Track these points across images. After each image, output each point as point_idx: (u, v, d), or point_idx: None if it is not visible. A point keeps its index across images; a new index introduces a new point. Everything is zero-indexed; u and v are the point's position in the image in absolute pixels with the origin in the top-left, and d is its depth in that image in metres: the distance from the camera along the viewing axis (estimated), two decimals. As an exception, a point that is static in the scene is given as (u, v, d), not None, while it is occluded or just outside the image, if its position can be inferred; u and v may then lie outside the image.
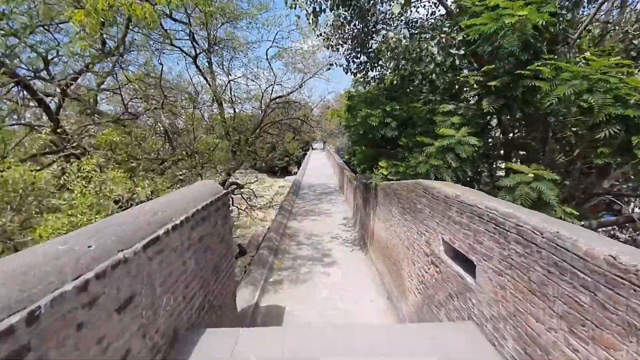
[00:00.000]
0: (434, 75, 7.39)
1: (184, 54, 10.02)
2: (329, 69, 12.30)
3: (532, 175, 5.43)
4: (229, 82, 11.81)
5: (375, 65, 9.39)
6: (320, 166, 35.37)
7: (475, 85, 6.54)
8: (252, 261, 8.47)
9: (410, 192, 4.94)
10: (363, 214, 10.32)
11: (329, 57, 13.72)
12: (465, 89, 7.86)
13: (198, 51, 9.97)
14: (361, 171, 16.38)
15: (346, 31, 9.83)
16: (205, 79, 10.36)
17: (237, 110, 14.99)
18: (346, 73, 9.91)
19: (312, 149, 62.11)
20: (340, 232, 11.56)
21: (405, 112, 7.82)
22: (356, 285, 7.44)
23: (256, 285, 6.98)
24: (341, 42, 10.31)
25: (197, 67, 9.96)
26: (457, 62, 6.45)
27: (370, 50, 8.89)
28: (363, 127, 7.78)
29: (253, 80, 14.05)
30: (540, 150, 6.91)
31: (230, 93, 13.41)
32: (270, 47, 16.64)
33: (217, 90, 11.22)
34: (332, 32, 11.20)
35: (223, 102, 13.86)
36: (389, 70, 9.78)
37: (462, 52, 6.40)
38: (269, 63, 12.44)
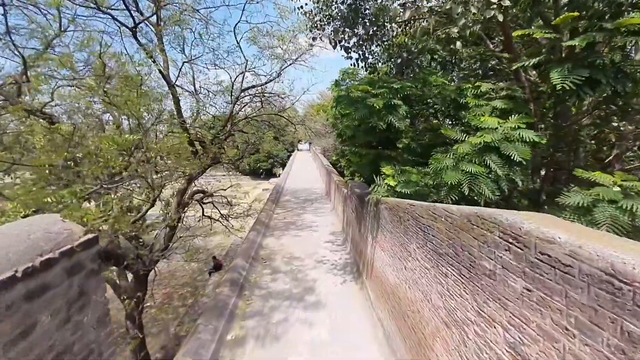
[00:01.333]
0: (458, 45, 5.20)
1: (119, 24, 7.56)
2: (312, 45, 10.07)
3: (619, 187, 3.39)
4: (183, 63, 9.36)
5: (376, 39, 7.15)
6: (305, 168, 33.06)
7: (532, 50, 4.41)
8: (205, 309, 6.09)
9: (461, 229, 2.74)
10: (356, 234, 8.08)
11: (312, 38, 11.39)
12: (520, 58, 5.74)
13: (137, 20, 7.54)
14: (350, 174, 14.11)
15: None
16: (150, 57, 7.91)
17: (203, 105, 12.55)
18: (334, 47, 7.65)
19: (298, 150, 59.83)
20: (328, 254, 9.28)
21: (420, 91, 5.62)
22: (350, 344, 5.19)
23: (202, 356, 4.62)
24: (328, 18, 8.09)
25: (138, 40, 7.54)
26: (500, 17, 4.26)
27: (367, 17, 6.66)
28: (359, 113, 5.53)
29: (222, 68, 11.63)
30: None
31: (194, 83, 10.97)
32: (239, 21, 14.17)
33: (169, 75, 8.77)
34: (317, 7, 8.97)
35: (183, 94, 11.42)
36: (390, 49, 7.59)
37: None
38: (238, 43, 10.15)
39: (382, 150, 6.62)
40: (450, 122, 6.23)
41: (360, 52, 7.46)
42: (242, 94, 11.23)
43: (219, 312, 5.80)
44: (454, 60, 6.35)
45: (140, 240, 9.61)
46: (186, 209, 11.80)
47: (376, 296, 5.89)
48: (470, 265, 2.44)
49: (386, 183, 5.03)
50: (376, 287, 5.86)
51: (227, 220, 14.64)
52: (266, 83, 11.37)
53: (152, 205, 9.88)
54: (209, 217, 14.60)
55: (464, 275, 2.54)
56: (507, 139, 4.15)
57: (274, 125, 15.21)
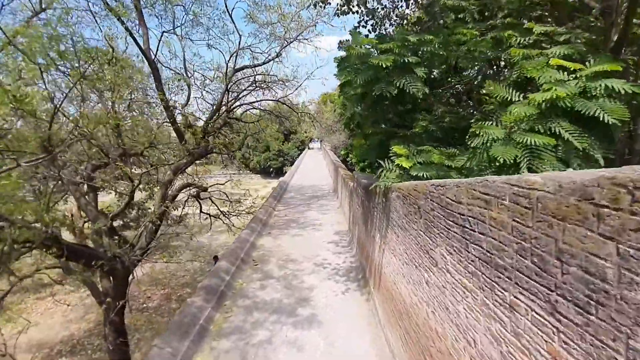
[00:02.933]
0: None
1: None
2: (318, 11, 8.77)
3: None
4: (162, 33, 8.18)
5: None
6: (314, 166, 31.84)
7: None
8: (169, 325, 4.89)
9: (567, 220, 1.39)
10: (363, 234, 6.75)
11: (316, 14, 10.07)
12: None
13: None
14: (360, 170, 12.73)
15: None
16: (122, 24, 6.74)
17: (196, 89, 11.43)
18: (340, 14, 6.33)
19: (309, 148, 58.67)
20: (330, 256, 7.98)
21: (443, 48, 4.27)
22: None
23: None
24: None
25: (107, 4, 6.37)
26: None
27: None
28: (362, 77, 4.18)
29: (215, 49, 10.47)
30: None
31: (184, 64, 9.84)
32: None
33: (149, 50, 7.63)
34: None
35: (175, 78, 10.31)
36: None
37: None
38: (230, 15, 8.92)
39: (393, 128, 5.26)
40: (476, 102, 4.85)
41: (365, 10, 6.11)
42: (238, 74, 10.03)
43: (185, 330, 4.57)
44: (487, 14, 4.95)
45: (115, 237, 8.54)
46: (172, 203, 10.72)
47: (385, 313, 4.55)
48: (592, 294, 1.10)
49: (398, 165, 3.69)
50: (385, 302, 4.52)
51: (228, 218, 13.54)
52: (264, 63, 10.13)
53: (132, 198, 8.78)
54: (208, 214, 13.56)
55: (564, 315, 1.21)
56: (585, 93, 2.76)
57: (279, 116, 13.97)
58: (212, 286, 5.81)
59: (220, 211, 13.82)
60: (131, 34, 6.96)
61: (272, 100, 11.71)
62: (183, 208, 13.03)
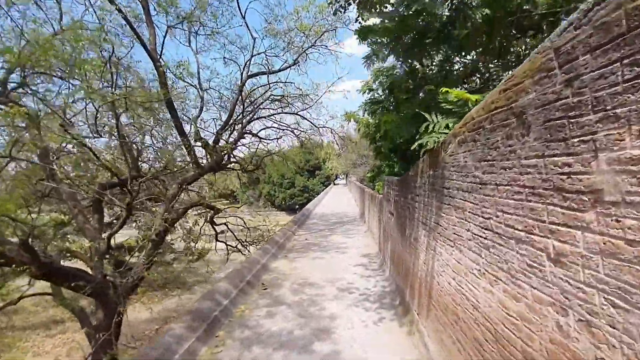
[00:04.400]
0: None
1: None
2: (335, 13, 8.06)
3: None
4: (168, 28, 7.64)
5: None
6: (340, 198, 30.50)
7: None
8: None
9: None
10: (398, 245, 5.23)
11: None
12: None
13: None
14: (388, 173, 11.17)
15: None
16: (132, 28, 6.29)
17: (210, 106, 10.88)
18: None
19: (334, 184, 57.65)
20: (357, 280, 6.40)
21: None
22: None
23: None
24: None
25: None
26: None
27: None
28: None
29: (230, 59, 9.97)
30: None
31: (199, 77, 9.31)
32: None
33: (155, 50, 7.08)
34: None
35: (187, 91, 9.81)
36: None
37: None
38: (244, 17, 8.40)
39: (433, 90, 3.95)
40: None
41: None
42: (253, 81, 9.31)
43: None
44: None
45: (108, 258, 7.51)
46: (178, 221, 9.69)
47: (443, 346, 2.95)
48: None
49: (457, 97, 2.39)
50: (443, 328, 2.94)
51: (246, 248, 12.35)
52: (281, 70, 9.42)
53: (130, 213, 7.82)
54: (224, 242, 12.46)
55: None
56: None
57: (299, 136, 13.04)
58: (202, 311, 4.43)
59: (237, 239, 12.67)
60: (136, 32, 6.41)
61: (290, 113, 10.85)
62: (198, 234, 12.02)
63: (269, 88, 9.70)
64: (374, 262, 7.66)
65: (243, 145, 11.92)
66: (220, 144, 9.67)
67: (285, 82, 9.80)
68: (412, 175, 3.80)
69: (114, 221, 10.89)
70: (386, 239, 6.88)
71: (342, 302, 5.32)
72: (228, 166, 10.65)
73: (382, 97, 6.19)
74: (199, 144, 9.13)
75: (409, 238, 4.30)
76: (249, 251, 11.82)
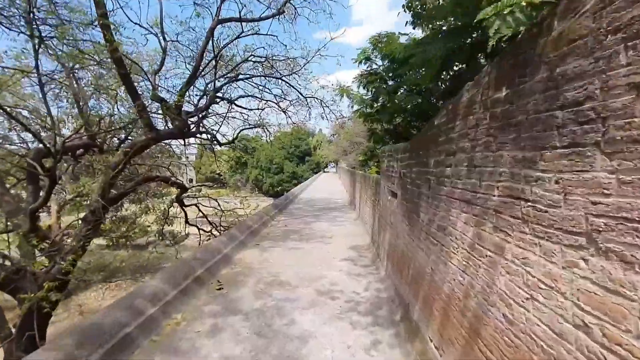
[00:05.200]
0: None
1: None
2: None
3: None
4: None
5: None
6: (329, 183, 29.01)
7: None
8: None
9: None
10: (403, 235, 3.71)
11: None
12: None
13: None
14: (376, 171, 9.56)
15: None
16: None
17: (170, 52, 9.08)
18: None
19: (324, 171, 56.12)
20: (343, 280, 4.91)
21: None
22: None
23: None
24: None
25: None
26: None
27: None
28: None
29: (200, 5, 8.12)
30: None
31: (161, 22, 7.44)
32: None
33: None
34: None
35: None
36: None
37: None
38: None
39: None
40: None
41: None
42: (224, 28, 7.55)
43: None
44: None
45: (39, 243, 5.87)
46: (124, 199, 8.08)
47: None
48: None
49: None
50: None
51: (218, 230, 10.81)
52: (261, 19, 7.65)
53: (54, 182, 6.10)
54: (197, 227, 10.95)
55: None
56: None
57: (286, 110, 11.29)
58: (100, 326, 2.85)
59: (211, 223, 11.10)
60: None
61: (274, 77, 9.12)
62: (167, 215, 10.43)
63: (242, 33, 7.82)
64: (364, 256, 6.19)
65: (218, 114, 10.21)
66: (185, 109, 7.95)
67: (267, 34, 8.01)
68: (445, 121, 2.26)
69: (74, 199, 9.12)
70: (382, 229, 5.39)
71: (320, 312, 3.82)
72: (197, 135, 8.93)
73: (381, 67, 4.91)
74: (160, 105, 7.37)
75: (426, 226, 2.78)
76: (219, 232, 10.34)
